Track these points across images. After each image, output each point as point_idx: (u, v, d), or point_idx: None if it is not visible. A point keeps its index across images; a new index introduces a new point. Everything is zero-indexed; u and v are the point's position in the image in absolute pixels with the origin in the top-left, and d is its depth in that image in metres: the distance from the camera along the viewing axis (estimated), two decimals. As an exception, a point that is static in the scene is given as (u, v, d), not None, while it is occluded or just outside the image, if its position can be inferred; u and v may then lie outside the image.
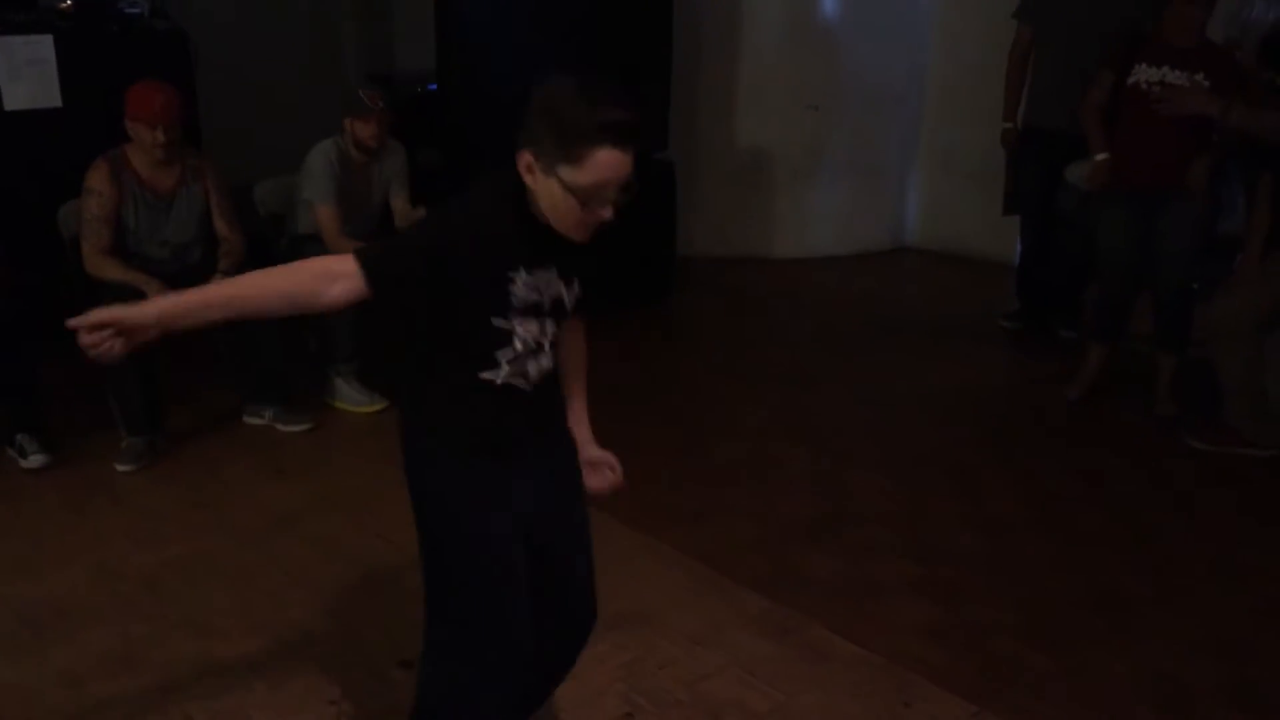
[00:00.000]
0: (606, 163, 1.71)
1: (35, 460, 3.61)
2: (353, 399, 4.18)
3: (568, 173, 1.72)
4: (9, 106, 4.42)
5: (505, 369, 1.83)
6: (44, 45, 4.49)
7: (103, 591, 2.95)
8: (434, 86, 5.58)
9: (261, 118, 6.26)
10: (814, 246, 6.56)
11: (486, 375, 1.83)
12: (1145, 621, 2.88)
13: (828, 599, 2.93)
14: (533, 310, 1.82)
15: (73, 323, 1.71)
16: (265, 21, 6.77)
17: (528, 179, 1.77)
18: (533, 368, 1.86)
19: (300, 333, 4.24)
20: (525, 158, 1.77)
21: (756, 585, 2.98)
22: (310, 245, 4.19)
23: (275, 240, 4.39)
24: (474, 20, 5.06)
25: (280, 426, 3.98)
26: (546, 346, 1.87)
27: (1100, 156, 4.13)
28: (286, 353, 4.01)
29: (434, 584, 1.99)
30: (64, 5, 4.63)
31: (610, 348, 5.03)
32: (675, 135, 5.61)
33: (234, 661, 2.63)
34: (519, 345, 1.83)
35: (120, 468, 3.64)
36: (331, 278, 1.73)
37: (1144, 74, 4.00)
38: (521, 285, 1.79)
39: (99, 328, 1.71)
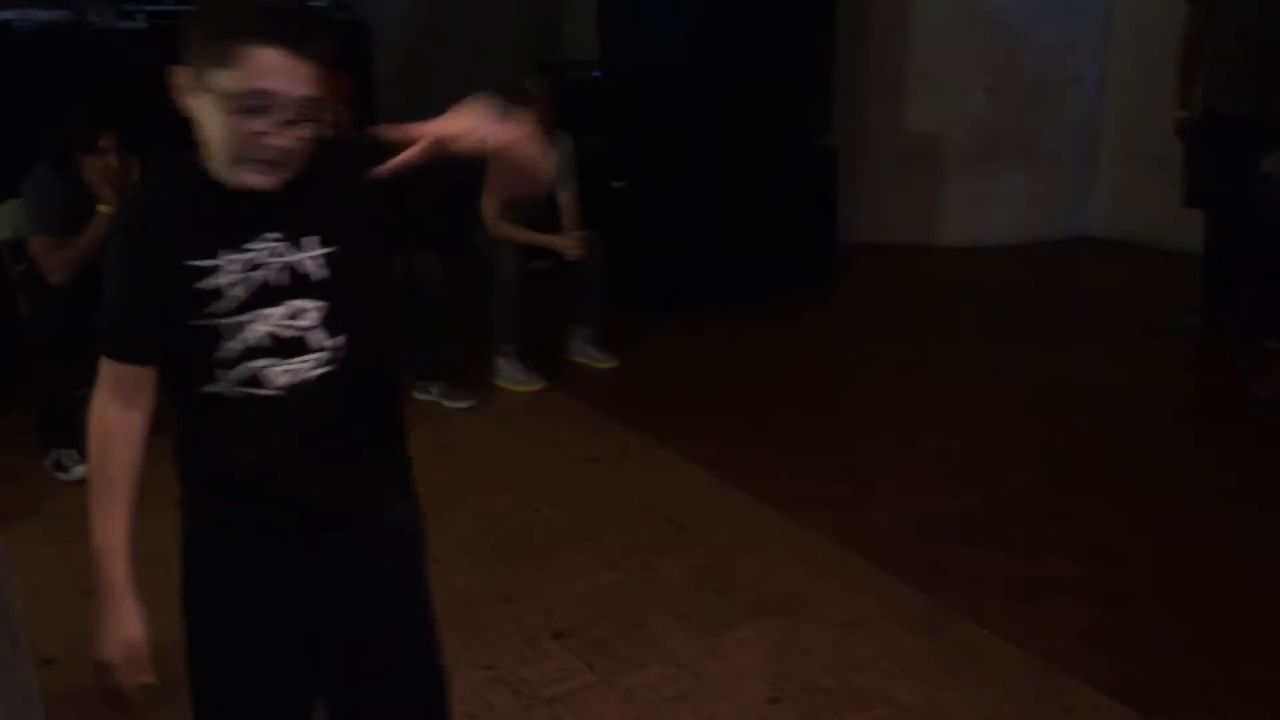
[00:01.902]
0: (267, 65, 1.34)
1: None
2: (514, 378, 4.30)
3: (222, 78, 1.35)
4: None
5: (228, 375, 1.42)
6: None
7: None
8: (598, 74, 5.66)
9: (433, 105, 6.48)
10: (984, 234, 6.37)
11: (208, 389, 1.43)
12: (1331, 637, 2.70)
13: (980, 595, 2.85)
14: (260, 296, 1.41)
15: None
16: (439, 10, 7.00)
17: (189, 105, 1.40)
18: (279, 371, 1.43)
19: (466, 312, 4.39)
20: (182, 74, 1.39)
21: (907, 577, 2.93)
22: (475, 229, 4.33)
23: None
24: (637, 5, 5.11)
25: (445, 403, 4.13)
26: (309, 339, 1.43)
27: None
28: (453, 331, 4.16)
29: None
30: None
31: (766, 334, 5.04)
32: (840, 118, 5.53)
33: (397, 624, 2.76)
34: (238, 344, 1.41)
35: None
36: (119, 396, 1.46)
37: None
38: (213, 267, 1.40)
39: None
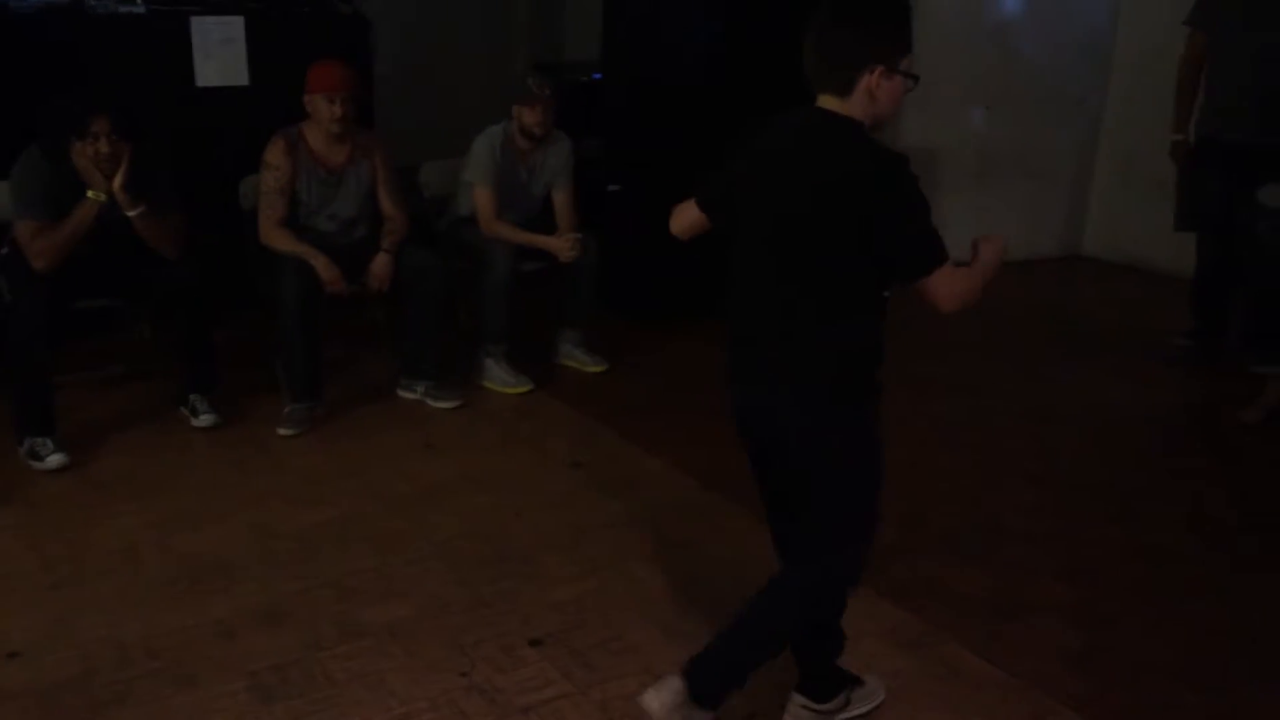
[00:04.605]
0: None
1: (205, 420, 3.81)
2: (501, 380, 4.26)
3: (906, 62, 1.97)
4: (201, 83, 4.67)
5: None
6: (235, 26, 4.73)
7: (258, 548, 3.08)
8: (598, 76, 5.63)
9: (434, 102, 6.44)
10: (978, 251, 6.33)
11: (885, 294, 2.07)
12: (1316, 669, 2.68)
13: (968, 616, 2.82)
14: None
15: None
16: (442, 8, 6.96)
17: (877, 92, 1.96)
18: None
19: (455, 311, 4.35)
20: (876, 72, 1.94)
21: (893, 595, 2.89)
22: (469, 227, 4.30)
23: (437, 220, 4.51)
24: (641, 11, 5.08)
25: (431, 402, 4.09)
26: None
27: None
28: (442, 331, 4.12)
29: (838, 502, 2.17)
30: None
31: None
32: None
33: (374, 624, 2.72)
34: None
35: (282, 431, 3.80)
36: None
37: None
38: None
39: None
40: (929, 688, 2.54)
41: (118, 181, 3.53)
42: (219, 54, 4.71)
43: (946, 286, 2.02)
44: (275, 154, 3.87)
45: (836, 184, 1.98)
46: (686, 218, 2.36)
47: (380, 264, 3.92)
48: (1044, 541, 3.24)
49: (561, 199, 4.39)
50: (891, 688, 2.49)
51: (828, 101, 2.03)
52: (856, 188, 1.96)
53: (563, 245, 4.22)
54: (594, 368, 4.50)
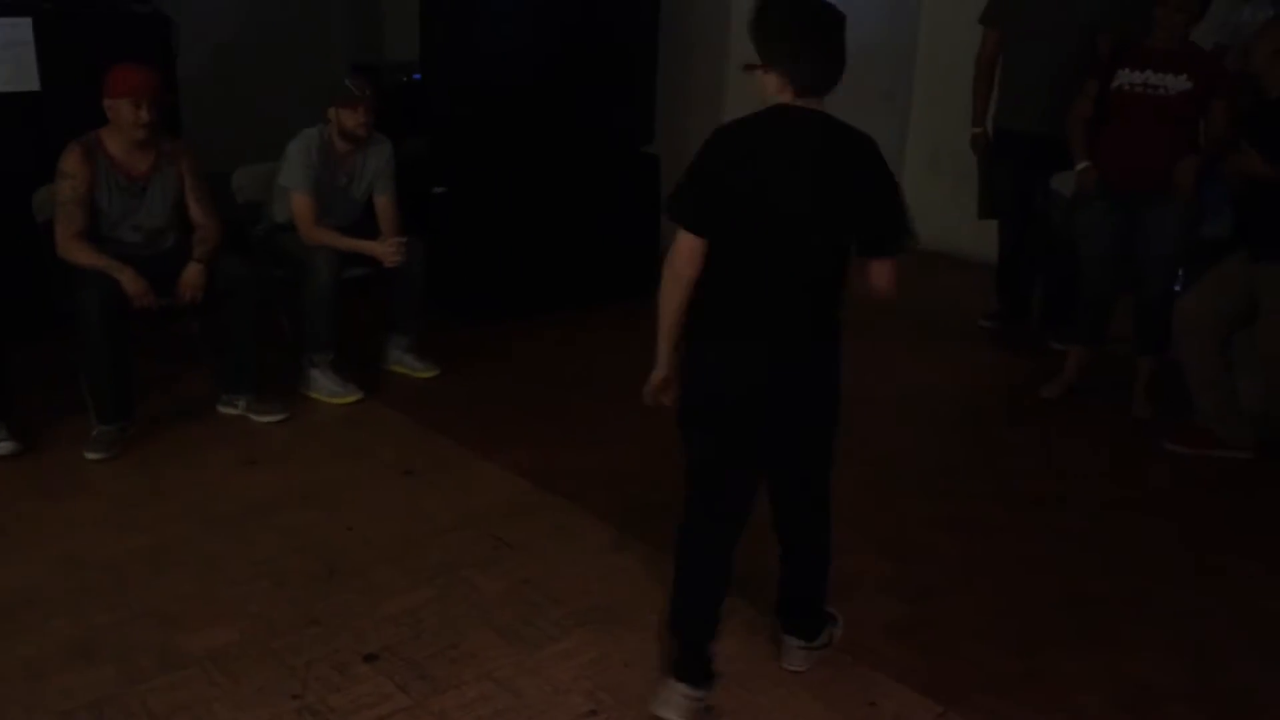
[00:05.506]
0: None
1: (4, 447, 3.57)
2: (327, 390, 4.15)
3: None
4: (-15, 89, 4.38)
5: None
6: (23, 28, 4.45)
7: (68, 580, 2.92)
8: (418, 77, 5.54)
9: (245, 105, 6.22)
10: (799, 243, 6.53)
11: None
12: (1116, 624, 2.88)
13: (796, 597, 2.91)
14: None
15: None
16: (252, 8, 6.72)
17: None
18: None
19: (276, 322, 4.22)
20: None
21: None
22: (287, 234, 4.17)
23: (252, 228, 4.36)
24: (459, 10, 5.03)
25: (254, 417, 3.95)
26: None
27: (1081, 165, 4.15)
28: (262, 342, 3.98)
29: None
30: (44, -13, 4.59)
31: (589, 342, 5.04)
32: (662, 129, 5.58)
33: (197, 653, 2.61)
34: None
35: (90, 455, 3.60)
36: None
37: (1127, 77, 4.01)
38: None
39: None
40: (758, 668, 2.61)
41: (-108, 196, 3.28)
42: (5, 58, 4.41)
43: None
44: (71, 162, 3.66)
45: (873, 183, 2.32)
46: (688, 248, 2.36)
47: (192, 274, 3.75)
48: (864, 519, 3.36)
49: (384, 203, 4.30)
50: (722, 672, 2.54)
51: (813, 104, 2.29)
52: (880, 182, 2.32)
53: (387, 250, 4.14)
54: (424, 373, 4.43)
